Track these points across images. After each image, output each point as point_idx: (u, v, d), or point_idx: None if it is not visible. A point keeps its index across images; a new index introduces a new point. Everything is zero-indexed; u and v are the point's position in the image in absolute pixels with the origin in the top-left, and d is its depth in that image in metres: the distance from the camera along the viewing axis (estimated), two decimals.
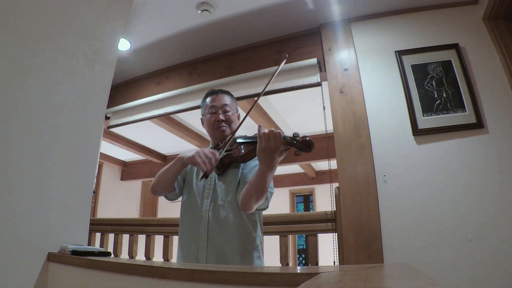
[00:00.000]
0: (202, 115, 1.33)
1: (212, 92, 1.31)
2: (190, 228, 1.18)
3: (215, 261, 1.09)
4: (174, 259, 2.05)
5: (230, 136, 1.20)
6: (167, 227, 2.09)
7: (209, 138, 1.35)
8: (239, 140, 1.18)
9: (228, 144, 1.16)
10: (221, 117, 1.24)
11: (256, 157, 1.01)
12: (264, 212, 1.24)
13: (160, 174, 1.23)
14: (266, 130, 0.93)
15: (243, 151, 1.13)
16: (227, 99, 1.29)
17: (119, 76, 2.88)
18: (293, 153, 0.93)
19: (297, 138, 0.91)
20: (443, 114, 1.77)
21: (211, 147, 1.30)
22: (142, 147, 4.80)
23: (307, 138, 0.91)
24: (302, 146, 0.91)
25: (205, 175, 1.09)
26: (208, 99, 1.30)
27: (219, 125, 1.24)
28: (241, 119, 1.31)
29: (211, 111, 1.27)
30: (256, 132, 0.98)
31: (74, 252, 0.98)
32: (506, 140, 1.66)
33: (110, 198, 5.27)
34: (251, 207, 1.06)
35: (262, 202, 1.07)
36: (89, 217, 1.26)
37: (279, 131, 0.92)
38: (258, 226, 1.20)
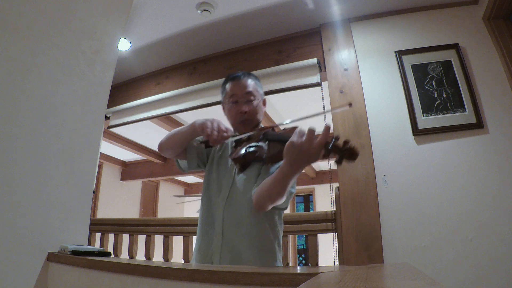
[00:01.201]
0: (223, 103, 1.17)
1: (234, 77, 1.12)
2: (205, 224, 1.08)
3: (229, 262, 1.00)
4: (174, 259, 2.06)
5: (258, 130, 1.02)
6: (167, 227, 2.09)
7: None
8: (267, 137, 0.98)
9: (247, 135, 0.98)
10: (244, 108, 1.07)
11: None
12: None
13: (170, 133, 1.11)
14: (306, 129, 0.77)
15: (270, 151, 0.95)
16: (250, 85, 1.10)
17: (119, 76, 2.88)
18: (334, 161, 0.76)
19: (339, 144, 0.74)
20: (443, 114, 1.77)
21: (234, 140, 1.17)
22: (142, 147, 4.80)
23: (353, 145, 0.73)
24: (344, 155, 0.74)
25: (206, 143, 0.95)
26: (228, 85, 1.12)
27: (241, 118, 1.08)
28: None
29: (232, 100, 1.09)
30: (287, 128, 0.85)
31: (74, 252, 0.98)
32: (506, 140, 1.66)
33: (110, 198, 5.27)
34: (266, 207, 0.95)
35: (280, 203, 0.95)
36: (89, 217, 1.26)
37: (326, 139, 0.74)
38: (278, 227, 1.08)
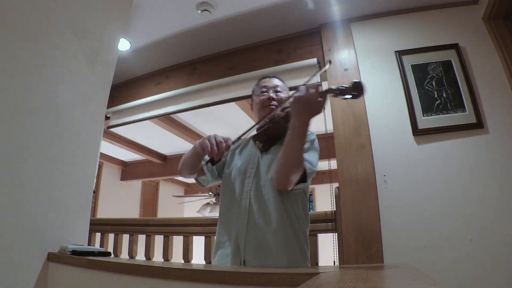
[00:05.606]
0: (252, 100, 1.31)
1: (265, 76, 1.32)
2: (229, 214, 1.10)
3: (255, 248, 1.00)
4: (174, 259, 2.06)
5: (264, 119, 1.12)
6: (167, 227, 2.09)
7: None
8: (285, 109, 1.10)
9: (255, 126, 1.03)
10: (272, 95, 1.21)
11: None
12: None
13: (182, 159, 1.18)
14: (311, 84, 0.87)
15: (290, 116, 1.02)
16: (279, 83, 1.29)
17: (119, 76, 2.88)
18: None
19: (344, 85, 0.85)
20: (443, 114, 1.77)
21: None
22: (142, 147, 4.80)
23: (355, 81, 0.84)
24: (347, 90, 0.84)
25: (211, 161, 0.98)
26: (260, 81, 1.30)
27: (268, 103, 1.20)
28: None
29: (262, 90, 1.25)
30: None
31: (74, 252, 0.99)
32: (506, 140, 1.66)
33: (110, 198, 5.27)
34: (287, 180, 0.97)
35: (298, 175, 0.97)
36: (89, 217, 1.26)
37: (321, 83, 0.87)
38: (304, 219, 1.09)
